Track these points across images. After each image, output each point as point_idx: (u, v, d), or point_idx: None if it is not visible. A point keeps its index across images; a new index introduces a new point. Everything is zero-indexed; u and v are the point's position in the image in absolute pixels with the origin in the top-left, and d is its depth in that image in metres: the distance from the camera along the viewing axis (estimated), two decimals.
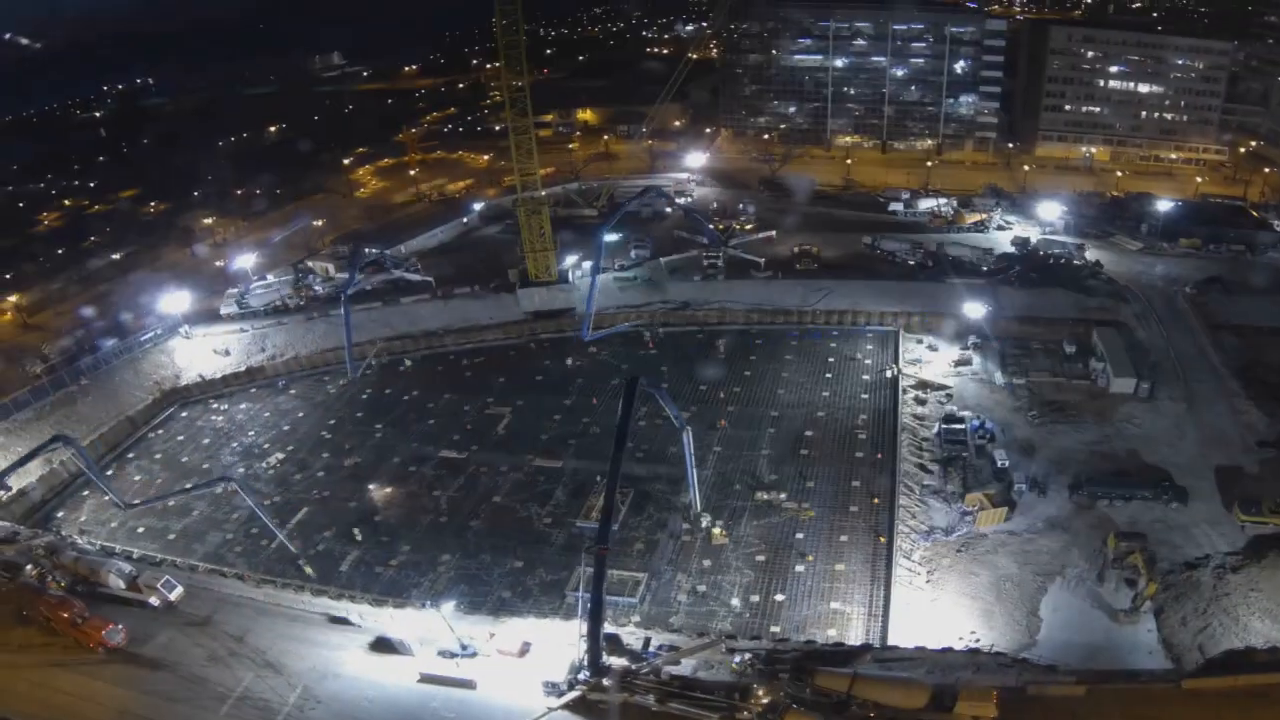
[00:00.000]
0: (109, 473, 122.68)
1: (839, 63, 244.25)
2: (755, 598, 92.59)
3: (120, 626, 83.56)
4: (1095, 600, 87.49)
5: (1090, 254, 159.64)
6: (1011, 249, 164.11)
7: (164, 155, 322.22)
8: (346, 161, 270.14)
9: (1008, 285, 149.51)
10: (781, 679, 70.08)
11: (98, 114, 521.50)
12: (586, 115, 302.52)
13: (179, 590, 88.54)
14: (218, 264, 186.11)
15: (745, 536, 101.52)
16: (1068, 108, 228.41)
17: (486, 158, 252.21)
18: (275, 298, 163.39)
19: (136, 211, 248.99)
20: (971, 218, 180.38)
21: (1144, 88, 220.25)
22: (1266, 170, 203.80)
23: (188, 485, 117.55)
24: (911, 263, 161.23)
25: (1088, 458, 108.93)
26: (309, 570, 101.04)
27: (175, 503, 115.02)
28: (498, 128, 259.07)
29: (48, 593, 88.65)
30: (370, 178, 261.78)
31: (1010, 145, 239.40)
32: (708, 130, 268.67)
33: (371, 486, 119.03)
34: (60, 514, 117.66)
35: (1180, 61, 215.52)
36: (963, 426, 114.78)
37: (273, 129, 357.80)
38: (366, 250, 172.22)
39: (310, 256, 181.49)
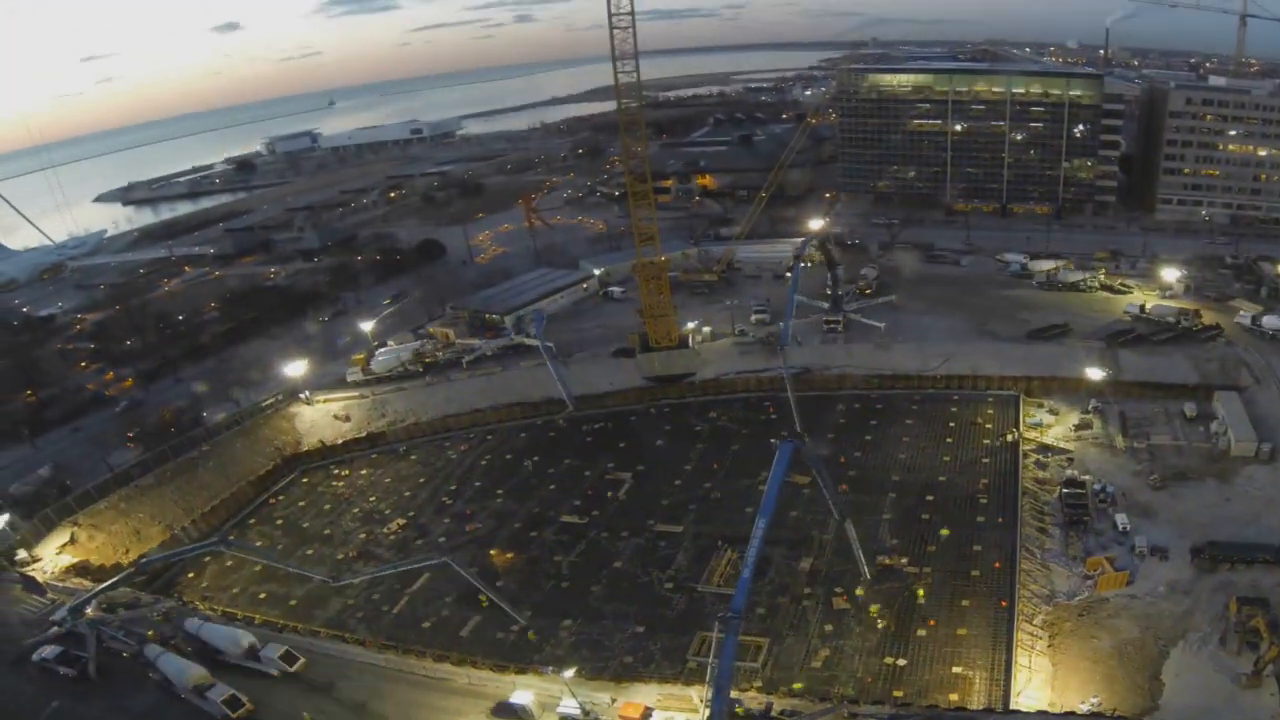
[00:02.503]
0: (231, 538, 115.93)
1: (957, 127, 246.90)
2: (881, 661, 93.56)
3: None
4: (1218, 664, 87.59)
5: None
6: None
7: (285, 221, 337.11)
8: (467, 227, 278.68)
9: (1126, 349, 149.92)
10: None
11: (217, 180, 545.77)
12: (705, 180, 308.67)
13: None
14: (339, 330, 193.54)
15: (867, 600, 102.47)
16: (1186, 170, 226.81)
17: (605, 223, 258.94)
18: (395, 363, 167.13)
19: (257, 277, 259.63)
20: (1073, 277, 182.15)
21: (1264, 150, 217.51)
22: None
23: (396, 564, 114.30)
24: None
25: (1209, 521, 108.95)
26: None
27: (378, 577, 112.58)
28: (617, 193, 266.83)
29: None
30: (489, 243, 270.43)
31: (1129, 208, 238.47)
32: (826, 194, 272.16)
33: (492, 552, 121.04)
34: (182, 579, 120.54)
35: None
36: (1084, 490, 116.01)
37: (393, 195, 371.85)
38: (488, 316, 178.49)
39: (430, 322, 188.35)
